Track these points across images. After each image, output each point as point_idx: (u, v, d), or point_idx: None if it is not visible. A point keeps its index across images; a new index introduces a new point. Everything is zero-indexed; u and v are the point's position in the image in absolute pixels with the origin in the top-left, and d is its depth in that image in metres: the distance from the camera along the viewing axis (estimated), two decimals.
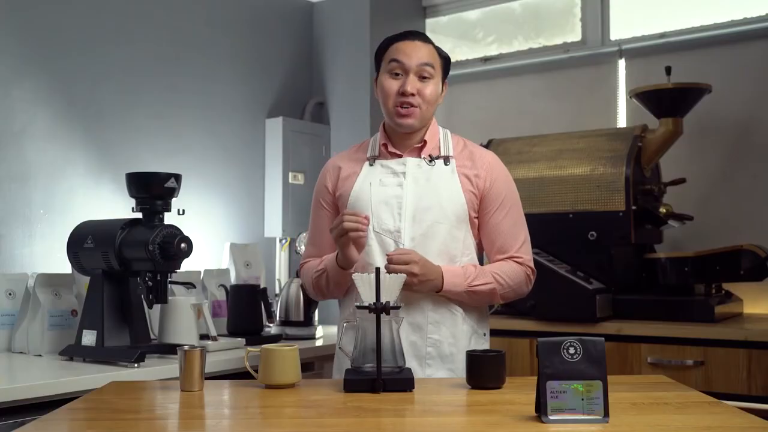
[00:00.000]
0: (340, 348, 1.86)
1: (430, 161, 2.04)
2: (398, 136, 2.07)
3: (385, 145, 2.07)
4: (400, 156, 2.06)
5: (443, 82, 2.09)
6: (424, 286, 1.91)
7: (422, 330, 1.97)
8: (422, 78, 2.01)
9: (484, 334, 2.08)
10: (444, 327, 1.98)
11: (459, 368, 1.98)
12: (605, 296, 2.80)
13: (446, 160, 2.04)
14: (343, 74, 3.70)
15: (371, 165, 2.07)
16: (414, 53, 2.01)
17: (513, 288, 2.02)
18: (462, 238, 2.01)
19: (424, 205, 1.98)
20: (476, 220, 2.05)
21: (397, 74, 2.02)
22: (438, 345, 1.98)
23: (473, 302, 2.00)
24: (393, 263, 1.86)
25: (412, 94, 1.99)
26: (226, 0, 3.43)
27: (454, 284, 1.94)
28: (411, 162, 2.04)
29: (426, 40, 2.06)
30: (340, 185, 2.08)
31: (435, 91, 2.03)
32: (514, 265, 2.03)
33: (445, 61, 2.09)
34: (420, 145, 2.06)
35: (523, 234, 2.07)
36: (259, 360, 1.71)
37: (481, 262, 2.07)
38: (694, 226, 3.12)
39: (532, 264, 2.07)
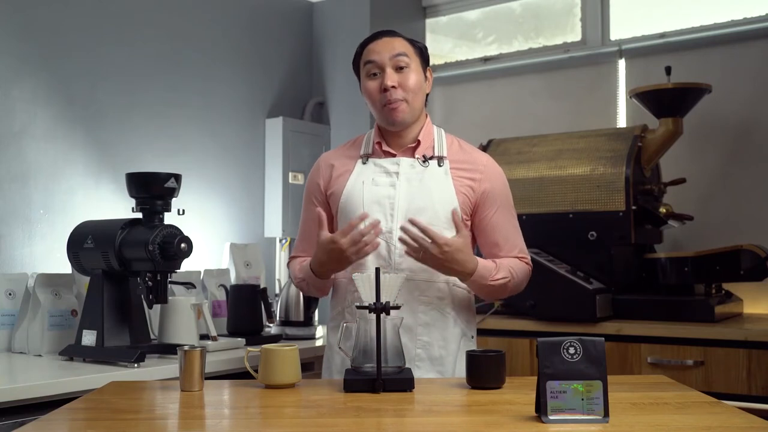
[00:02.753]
0: (339, 348, 1.85)
1: (424, 161, 2.03)
2: (392, 135, 2.06)
3: (379, 144, 2.06)
4: (393, 155, 2.05)
5: (425, 70, 2.07)
6: (451, 260, 1.86)
7: (412, 331, 1.95)
8: (399, 69, 2.00)
9: (472, 337, 2.09)
10: (435, 329, 1.98)
11: (448, 371, 1.98)
12: (605, 296, 2.79)
13: (440, 160, 2.03)
14: (343, 74, 3.70)
15: (364, 163, 2.06)
16: (383, 49, 2.01)
17: (518, 284, 2.04)
18: None
19: (416, 206, 1.96)
20: (469, 223, 2.05)
21: (374, 74, 2.02)
22: (428, 347, 1.97)
23: (485, 294, 2.01)
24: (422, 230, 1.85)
25: (393, 87, 1.98)
26: (226, 0, 3.43)
27: (482, 276, 1.93)
28: (404, 162, 2.03)
29: (394, 34, 2.05)
30: (332, 183, 2.07)
31: (417, 80, 2.02)
32: (521, 263, 2.06)
33: (421, 50, 2.07)
34: (414, 144, 2.05)
35: (520, 234, 2.10)
36: (259, 360, 1.71)
37: None
38: (694, 226, 3.12)
39: (531, 263, 2.11)
